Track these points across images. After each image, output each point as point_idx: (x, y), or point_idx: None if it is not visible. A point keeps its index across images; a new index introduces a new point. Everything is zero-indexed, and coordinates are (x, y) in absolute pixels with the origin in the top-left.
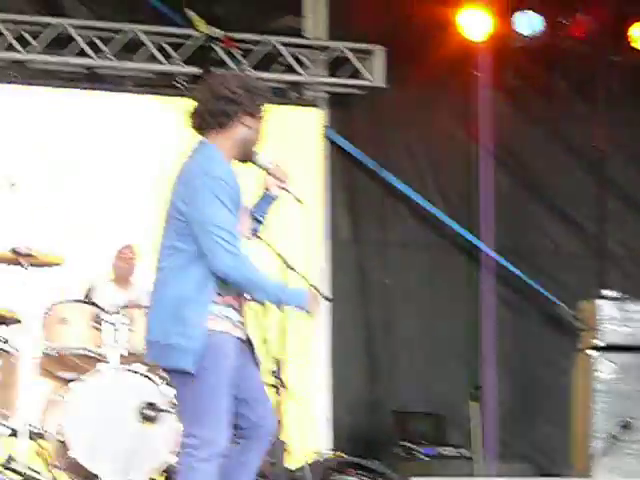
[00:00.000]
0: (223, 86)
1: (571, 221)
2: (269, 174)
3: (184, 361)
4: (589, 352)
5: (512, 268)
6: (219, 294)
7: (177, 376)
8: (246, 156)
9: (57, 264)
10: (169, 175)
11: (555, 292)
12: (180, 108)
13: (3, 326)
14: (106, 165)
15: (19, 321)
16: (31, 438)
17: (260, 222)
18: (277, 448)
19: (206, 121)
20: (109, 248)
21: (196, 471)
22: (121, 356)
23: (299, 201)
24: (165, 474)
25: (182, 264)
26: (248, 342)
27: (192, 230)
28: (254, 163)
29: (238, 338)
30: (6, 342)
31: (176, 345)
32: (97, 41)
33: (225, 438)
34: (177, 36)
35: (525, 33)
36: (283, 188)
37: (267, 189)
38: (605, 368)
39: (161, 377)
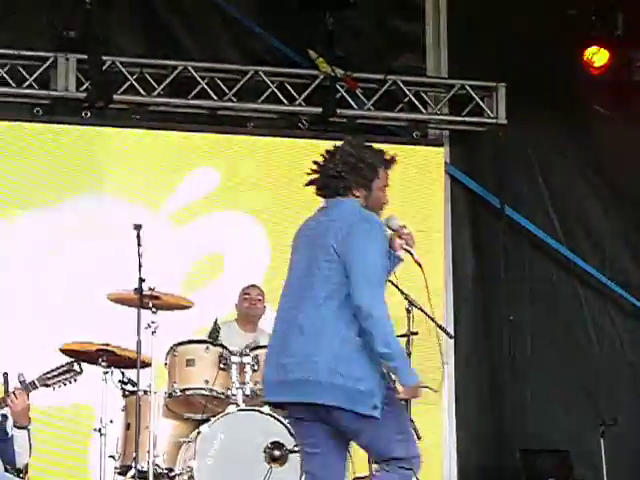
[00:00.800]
0: (346, 155)
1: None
2: (397, 236)
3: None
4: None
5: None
6: None
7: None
8: None
9: (187, 307)
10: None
11: None
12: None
13: (132, 369)
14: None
15: (149, 364)
16: (158, 479)
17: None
18: None
19: (329, 186)
20: (233, 288)
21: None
22: (244, 396)
23: (419, 265)
24: None
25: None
26: None
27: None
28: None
29: None
30: (135, 384)
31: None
32: (220, 83)
33: None
34: (299, 77)
35: None
36: (408, 251)
37: (394, 249)
38: None
39: (285, 416)
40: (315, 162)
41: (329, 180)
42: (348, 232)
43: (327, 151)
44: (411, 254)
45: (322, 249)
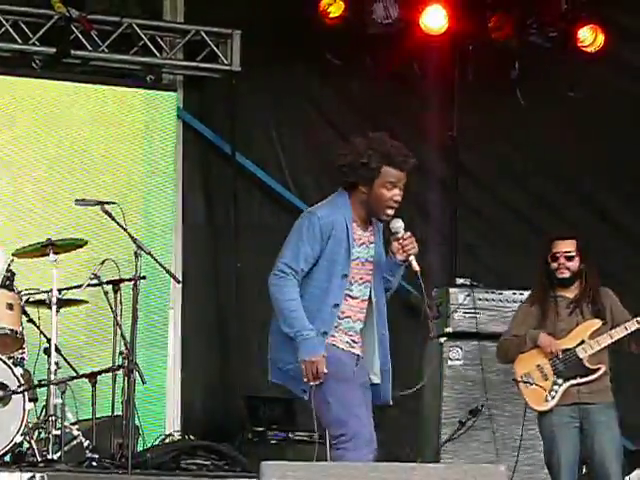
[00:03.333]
0: (358, 150)
1: (422, 208)
2: (395, 240)
3: None
4: (440, 340)
5: None
6: None
7: None
8: (373, 216)
9: None
10: None
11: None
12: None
13: None
14: None
15: None
16: None
17: (389, 281)
18: (129, 430)
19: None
20: None
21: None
22: None
23: (417, 272)
24: (12, 454)
25: None
26: None
27: None
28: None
29: None
30: None
31: None
32: None
33: None
34: (35, 16)
35: (381, 20)
36: (406, 259)
37: (393, 253)
38: (454, 355)
39: (12, 358)
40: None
41: (340, 171)
42: None
43: (347, 142)
44: (409, 260)
45: None
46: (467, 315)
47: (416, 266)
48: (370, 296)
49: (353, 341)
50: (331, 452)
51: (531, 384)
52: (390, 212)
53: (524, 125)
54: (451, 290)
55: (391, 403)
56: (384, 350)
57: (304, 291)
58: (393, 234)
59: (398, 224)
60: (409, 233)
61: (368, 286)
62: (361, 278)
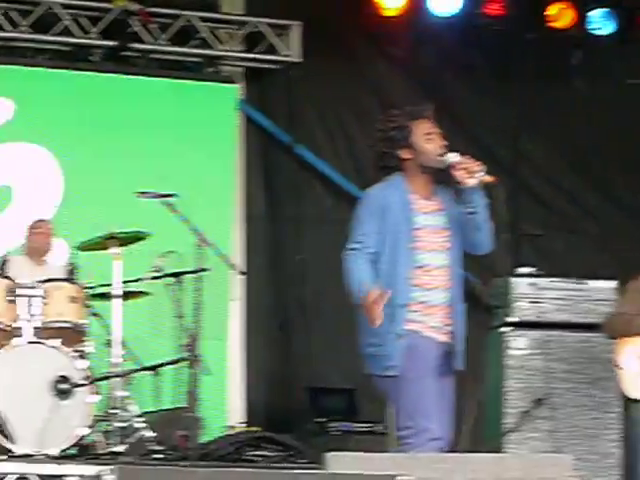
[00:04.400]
0: (377, 131)
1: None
2: (457, 169)
3: None
4: (502, 329)
5: None
6: None
7: None
8: (430, 168)
9: None
10: None
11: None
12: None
13: None
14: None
15: None
16: None
17: (474, 213)
18: (192, 422)
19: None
20: (22, 222)
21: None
22: (34, 328)
23: (490, 184)
24: (77, 447)
25: None
26: None
27: None
28: (445, 168)
29: None
30: None
31: None
32: (14, 14)
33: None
34: (94, 9)
35: (441, 10)
36: (474, 177)
37: (461, 183)
38: (517, 344)
39: (75, 351)
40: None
41: (380, 160)
42: None
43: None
44: (479, 179)
45: None
46: (530, 304)
47: (489, 178)
48: (446, 264)
49: (436, 325)
50: (397, 443)
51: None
52: (443, 157)
53: (583, 112)
54: (514, 279)
55: (461, 368)
56: (457, 317)
57: (377, 267)
58: (451, 167)
59: (451, 155)
60: (465, 157)
61: (442, 253)
62: (433, 246)
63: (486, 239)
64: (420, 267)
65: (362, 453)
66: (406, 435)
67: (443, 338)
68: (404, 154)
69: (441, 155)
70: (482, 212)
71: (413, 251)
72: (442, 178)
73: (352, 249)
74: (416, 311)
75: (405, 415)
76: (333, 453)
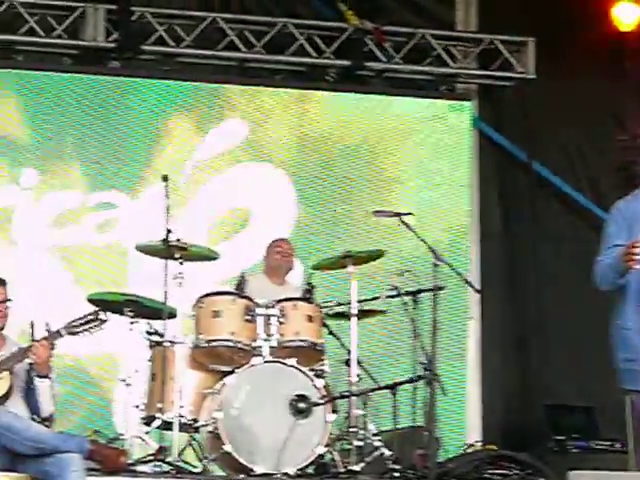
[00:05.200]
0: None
1: None
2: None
3: None
4: None
5: None
6: None
7: None
8: None
9: (213, 258)
10: None
11: None
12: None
13: (158, 320)
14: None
15: (175, 315)
16: (182, 430)
17: None
18: (430, 440)
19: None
20: (258, 242)
21: None
22: (270, 347)
23: None
24: (315, 466)
25: None
26: None
27: None
28: None
29: None
30: (162, 336)
31: None
32: (249, 35)
33: None
34: (328, 29)
35: None
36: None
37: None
38: None
39: (312, 370)
40: None
41: (626, 170)
42: None
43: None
44: None
45: None
46: None
47: None
48: None
49: None
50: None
51: None
52: None
53: None
54: None
55: None
56: None
57: (627, 280)
58: None
59: None
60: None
61: None
62: None
63: None
64: None
65: (604, 471)
66: None
67: None
68: None
69: None
70: None
71: None
72: None
73: (601, 260)
74: None
75: None
76: (576, 472)
